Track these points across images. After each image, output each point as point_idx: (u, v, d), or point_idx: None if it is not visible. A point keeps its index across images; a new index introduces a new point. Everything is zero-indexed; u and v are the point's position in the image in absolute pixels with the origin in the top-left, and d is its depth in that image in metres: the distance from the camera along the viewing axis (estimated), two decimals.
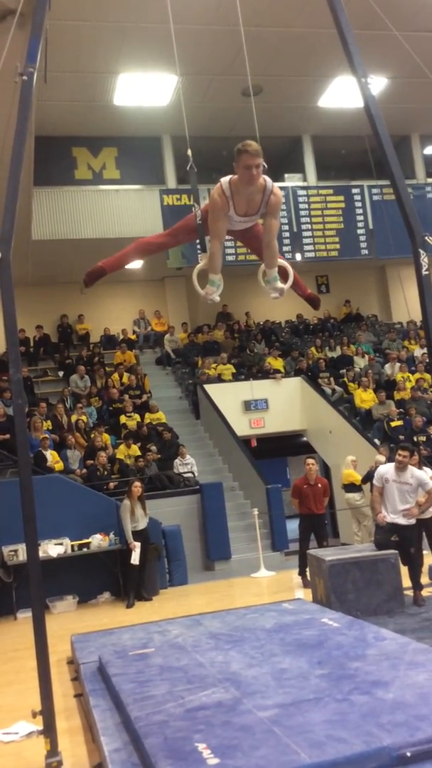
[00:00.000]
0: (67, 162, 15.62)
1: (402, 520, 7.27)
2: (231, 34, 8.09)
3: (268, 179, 4.10)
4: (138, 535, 9.43)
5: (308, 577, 8.45)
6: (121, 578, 9.74)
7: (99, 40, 12.04)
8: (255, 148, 3.89)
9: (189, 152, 4.79)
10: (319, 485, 9.33)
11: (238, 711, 3.77)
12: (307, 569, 8.44)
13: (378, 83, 13.78)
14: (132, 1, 10.90)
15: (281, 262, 4.48)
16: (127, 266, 4.92)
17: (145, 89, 13.68)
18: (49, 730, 3.95)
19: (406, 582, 7.35)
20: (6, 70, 4.80)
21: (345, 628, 5.46)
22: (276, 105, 14.70)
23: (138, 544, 9.33)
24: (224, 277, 4.38)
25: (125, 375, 15.04)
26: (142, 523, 9.57)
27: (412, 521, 7.34)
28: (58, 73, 11.98)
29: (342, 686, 4.00)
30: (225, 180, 4.06)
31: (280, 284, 4.41)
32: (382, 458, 10.74)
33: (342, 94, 14.50)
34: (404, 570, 7.36)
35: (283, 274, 4.53)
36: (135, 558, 9.29)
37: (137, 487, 9.70)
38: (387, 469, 7.48)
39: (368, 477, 10.07)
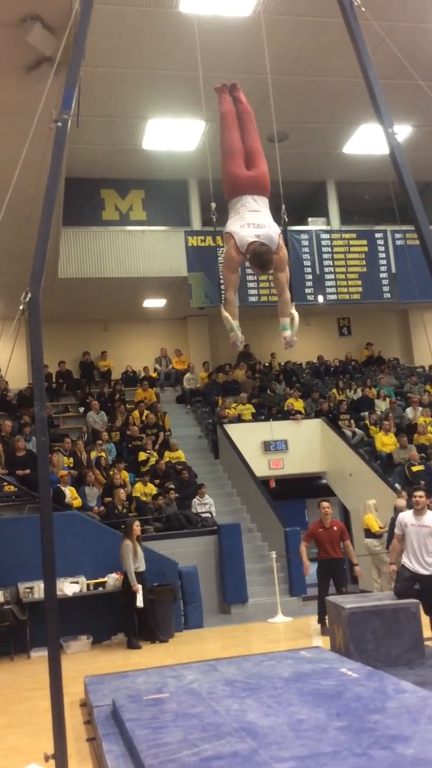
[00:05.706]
0: (95, 203, 15.94)
1: (424, 570, 7.15)
2: (258, 82, 8.25)
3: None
4: (139, 576, 9.29)
5: (327, 624, 8.30)
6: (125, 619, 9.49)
7: (130, 87, 12.38)
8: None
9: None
10: (335, 528, 9.23)
11: (254, 762, 3.68)
12: (326, 616, 8.30)
13: (403, 131, 13.97)
14: (162, 49, 11.23)
15: (292, 311, 4.77)
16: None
17: (173, 134, 14.00)
18: None
19: (427, 632, 7.18)
20: (41, 115, 4.94)
21: (364, 679, 5.34)
22: (302, 151, 14.92)
23: (140, 587, 9.19)
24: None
25: (145, 412, 15.08)
26: (143, 565, 9.45)
27: None
28: (90, 117, 12.27)
29: (361, 740, 3.90)
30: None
31: (286, 332, 4.75)
32: (402, 502, 10.57)
33: (367, 141, 14.72)
34: (425, 620, 7.21)
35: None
36: (140, 600, 9.14)
37: (138, 526, 9.66)
38: (406, 515, 7.44)
39: (391, 528, 9.74)
